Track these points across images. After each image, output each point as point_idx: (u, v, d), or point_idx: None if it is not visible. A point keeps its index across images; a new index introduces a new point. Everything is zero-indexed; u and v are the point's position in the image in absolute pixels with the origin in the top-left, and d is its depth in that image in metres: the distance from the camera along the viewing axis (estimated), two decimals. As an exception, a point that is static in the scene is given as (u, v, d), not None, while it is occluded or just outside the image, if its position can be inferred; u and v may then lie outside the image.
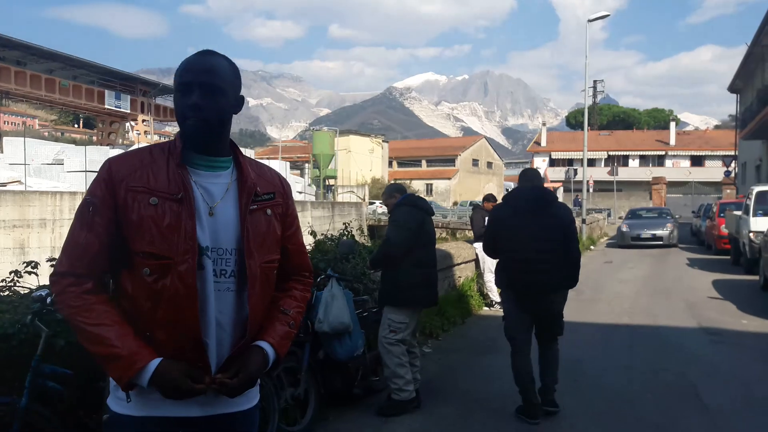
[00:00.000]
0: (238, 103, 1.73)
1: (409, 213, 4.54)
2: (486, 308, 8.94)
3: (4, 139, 30.39)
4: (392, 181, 62.33)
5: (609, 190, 47.08)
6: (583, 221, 20.52)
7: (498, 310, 8.58)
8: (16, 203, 20.35)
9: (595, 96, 78.67)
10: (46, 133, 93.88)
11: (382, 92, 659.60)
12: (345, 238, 6.20)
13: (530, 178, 4.64)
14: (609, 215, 37.93)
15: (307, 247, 6.05)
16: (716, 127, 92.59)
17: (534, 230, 4.32)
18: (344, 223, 6.36)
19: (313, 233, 6.32)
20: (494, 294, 8.72)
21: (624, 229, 20.23)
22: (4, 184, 24.16)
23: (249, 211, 1.67)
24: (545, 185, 4.92)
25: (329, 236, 6.30)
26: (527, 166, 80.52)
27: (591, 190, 40.82)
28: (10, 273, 3.77)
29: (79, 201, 22.63)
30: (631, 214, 22.87)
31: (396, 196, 4.72)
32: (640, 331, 7.42)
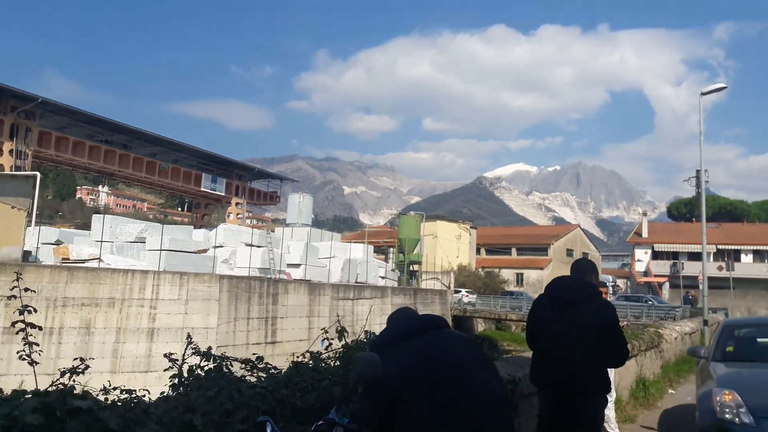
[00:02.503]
0: None
1: (376, 383, 2.30)
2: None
3: (93, 217, 31.39)
4: (479, 269, 59.76)
5: (719, 287, 42.50)
6: (705, 322, 17.35)
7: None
8: (87, 280, 19.91)
9: (699, 186, 73.85)
10: (152, 216, 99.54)
11: (472, 181, 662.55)
12: (366, 349, 3.42)
13: (577, 269, 4.39)
14: (726, 315, 33.71)
15: (325, 354, 4.04)
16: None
17: (563, 325, 3.97)
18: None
19: (341, 331, 3.73)
20: (613, 427, 6.37)
21: (721, 399, 5.01)
22: (83, 261, 24.19)
23: None
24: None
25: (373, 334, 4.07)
26: (627, 258, 75.51)
27: (701, 286, 36.66)
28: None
29: (150, 280, 21.43)
30: (728, 336, 7.08)
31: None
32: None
